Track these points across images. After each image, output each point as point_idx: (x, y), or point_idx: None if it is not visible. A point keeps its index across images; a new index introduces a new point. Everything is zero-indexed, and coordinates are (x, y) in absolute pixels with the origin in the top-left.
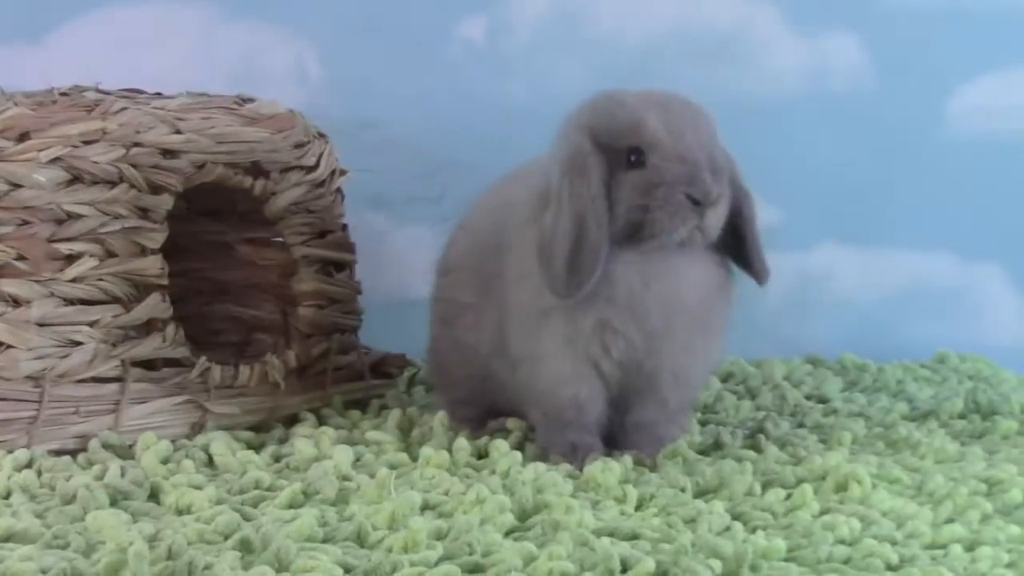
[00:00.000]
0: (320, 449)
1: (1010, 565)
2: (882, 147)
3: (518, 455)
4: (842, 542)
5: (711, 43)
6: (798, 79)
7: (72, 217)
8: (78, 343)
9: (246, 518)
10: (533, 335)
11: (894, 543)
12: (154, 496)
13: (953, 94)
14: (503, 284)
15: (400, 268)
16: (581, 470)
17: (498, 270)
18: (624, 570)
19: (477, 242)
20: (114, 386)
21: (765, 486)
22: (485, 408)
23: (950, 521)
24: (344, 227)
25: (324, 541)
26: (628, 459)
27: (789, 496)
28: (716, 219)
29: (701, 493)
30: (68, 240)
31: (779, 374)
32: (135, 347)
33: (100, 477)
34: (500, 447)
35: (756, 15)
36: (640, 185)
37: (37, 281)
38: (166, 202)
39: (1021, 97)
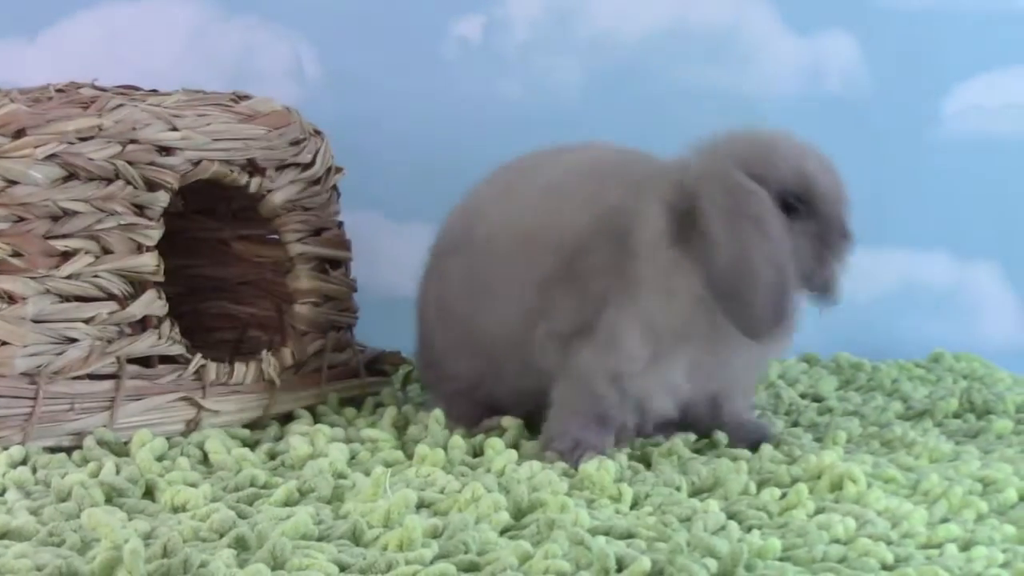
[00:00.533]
0: (315, 447)
1: (1005, 564)
2: (877, 147)
3: (513, 453)
4: (837, 541)
5: (707, 42)
6: (794, 79)
7: (68, 214)
8: (73, 340)
9: (241, 516)
10: (665, 351)
11: (889, 542)
12: (149, 493)
13: (949, 94)
14: (606, 284)
15: (395, 266)
16: (576, 468)
17: (561, 264)
18: (619, 569)
19: (518, 232)
20: (109, 383)
21: (760, 485)
22: (482, 404)
23: (945, 520)
24: (340, 224)
25: (319, 539)
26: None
27: (784, 495)
28: None
29: (696, 492)
30: (64, 237)
31: (774, 373)
32: (130, 344)
33: (95, 474)
34: (496, 445)
35: (752, 14)
36: (814, 233)
37: (32, 278)
38: (162, 199)
39: (1016, 97)
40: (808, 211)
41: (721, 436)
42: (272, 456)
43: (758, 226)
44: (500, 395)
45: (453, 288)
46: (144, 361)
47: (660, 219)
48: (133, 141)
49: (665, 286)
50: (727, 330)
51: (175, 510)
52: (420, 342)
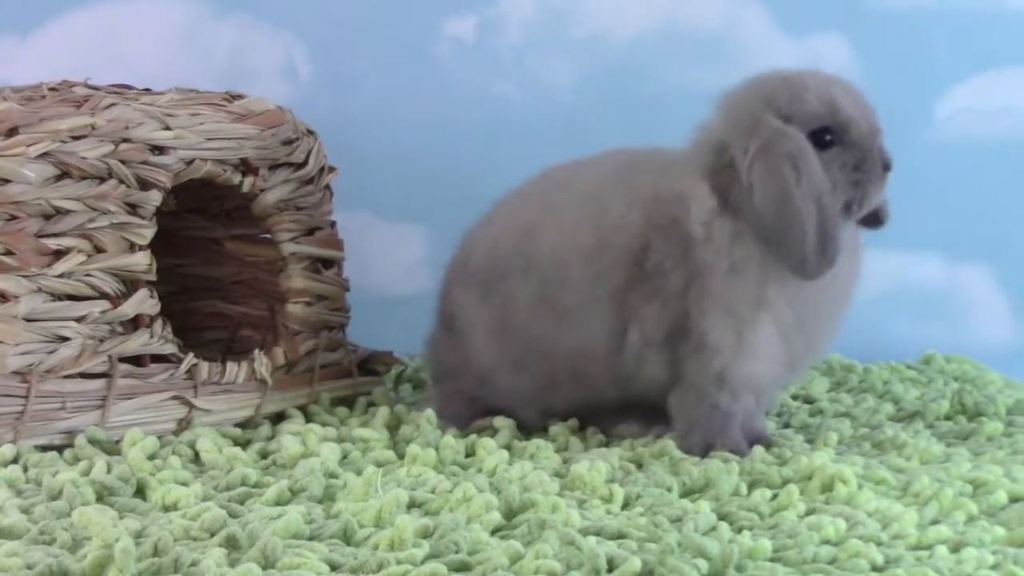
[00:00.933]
0: (307, 446)
1: (995, 567)
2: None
3: (505, 453)
4: (828, 542)
5: (700, 42)
6: None
7: (60, 212)
8: (65, 338)
9: (232, 515)
10: (748, 324)
11: (879, 544)
12: (140, 492)
13: (941, 96)
14: (679, 279)
15: (388, 266)
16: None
17: (632, 270)
18: (610, 569)
19: (582, 246)
20: (101, 382)
21: (751, 486)
22: (481, 405)
23: (935, 522)
24: (332, 224)
25: (310, 538)
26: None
27: (775, 496)
28: None
29: (687, 493)
30: (56, 235)
31: None
32: (122, 343)
33: (86, 473)
34: (487, 445)
35: (745, 15)
36: (849, 163)
37: (25, 276)
38: (155, 198)
39: (1010, 99)
40: (842, 142)
41: None
42: (264, 455)
43: (793, 165)
44: (556, 406)
45: (521, 313)
46: (136, 360)
47: (706, 196)
48: (126, 140)
49: (729, 261)
50: (798, 282)
51: (166, 509)
52: (451, 355)
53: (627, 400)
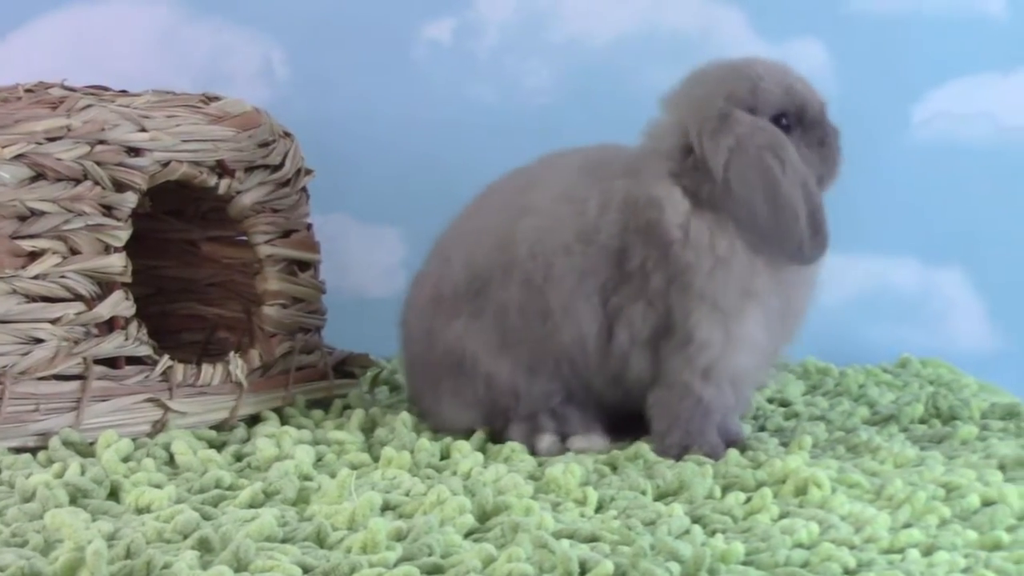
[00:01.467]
0: (281, 449)
1: (966, 570)
2: (847, 152)
3: (480, 456)
4: (800, 546)
5: (677, 46)
6: None
7: (35, 214)
8: (40, 340)
9: (206, 517)
10: (735, 317)
11: (852, 547)
12: (114, 494)
13: (918, 100)
14: (664, 278)
15: (364, 268)
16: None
17: (613, 269)
18: (583, 572)
19: (558, 246)
20: (75, 384)
21: (725, 489)
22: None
23: (908, 526)
24: (309, 226)
25: (283, 541)
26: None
27: (749, 499)
28: None
29: (661, 496)
30: (31, 237)
31: None
32: (97, 345)
33: (60, 475)
34: (462, 448)
35: (722, 19)
36: (814, 141)
37: None
38: (130, 200)
39: (985, 104)
40: (800, 124)
41: None
42: (238, 458)
43: (775, 155)
44: (587, 410)
45: (513, 320)
46: (111, 362)
47: (679, 198)
48: (102, 142)
49: (713, 257)
50: (783, 267)
51: (139, 511)
52: (463, 385)
53: (624, 402)
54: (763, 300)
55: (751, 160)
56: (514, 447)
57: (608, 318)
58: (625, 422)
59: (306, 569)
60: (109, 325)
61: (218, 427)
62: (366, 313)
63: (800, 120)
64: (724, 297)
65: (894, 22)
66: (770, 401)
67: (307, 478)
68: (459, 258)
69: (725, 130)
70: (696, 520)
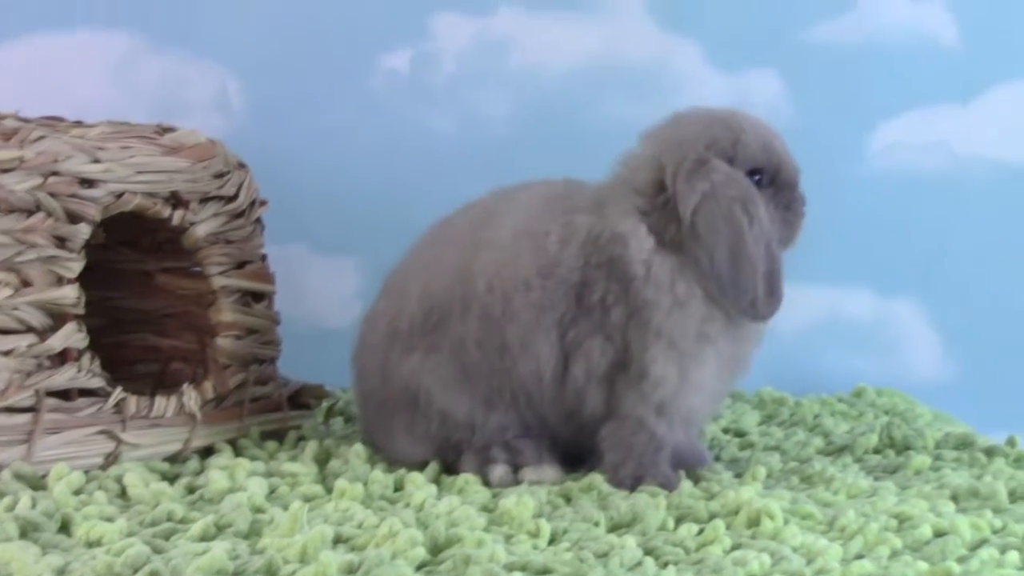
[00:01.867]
0: (234, 481)
1: None
2: (802, 183)
3: (433, 488)
4: None
5: (633, 76)
6: None
7: None
8: None
9: (157, 551)
10: (691, 359)
11: None
12: (65, 528)
13: (873, 131)
14: (622, 312)
15: (319, 298)
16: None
17: (571, 303)
18: None
19: (517, 280)
20: (27, 416)
21: (678, 520)
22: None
23: (860, 557)
24: (263, 257)
25: (234, 574)
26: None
27: (701, 531)
28: None
29: (615, 527)
30: None
31: None
32: (50, 377)
33: (11, 508)
34: (416, 480)
35: (678, 51)
36: (782, 203)
37: None
38: (83, 231)
39: (940, 134)
40: (773, 183)
41: None
42: (191, 490)
43: (744, 209)
44: (541, 442)
45: (471, 354)
46: (63, 394)
47: (644, 236)
48: (55, 173)
49: (672, 297)
50: (736, 318)
51: (90, 545)
52: (422, 422)
53: (577, 437)
54: (717, 346)
55: (721, 209)
56: (468, 479)
57: (565, 352)
58: (578, 453)
59: None
60: (62, 357)
61: (172, 459)
62: (323, 343)
63: (773, 180)
64: (682, 338)
65: (849, 53)
66: (725, 431)
67: (260, 510)
68: (416, 292)
69: (701, 174)
70: (648, 552)
